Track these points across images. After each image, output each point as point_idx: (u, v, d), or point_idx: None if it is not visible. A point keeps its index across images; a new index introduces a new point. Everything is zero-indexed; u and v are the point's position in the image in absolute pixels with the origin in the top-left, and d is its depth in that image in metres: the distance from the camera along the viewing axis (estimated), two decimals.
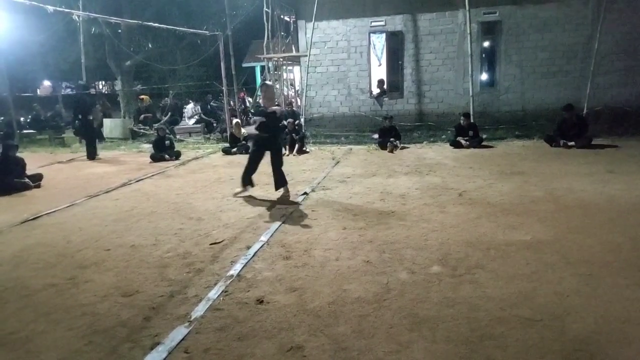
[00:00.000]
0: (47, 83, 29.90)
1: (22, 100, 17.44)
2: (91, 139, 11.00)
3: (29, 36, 16.84)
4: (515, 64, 12.53)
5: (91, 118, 10.96)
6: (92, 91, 20.66)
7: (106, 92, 30.22)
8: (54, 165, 10.05)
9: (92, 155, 10.78)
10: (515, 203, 5.52)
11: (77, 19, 13.40)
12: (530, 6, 12.18)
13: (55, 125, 15.03)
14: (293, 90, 20.18)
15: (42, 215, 5.86)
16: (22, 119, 16.67)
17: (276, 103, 6.43)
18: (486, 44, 13.19)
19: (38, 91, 28.92)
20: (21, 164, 7.80)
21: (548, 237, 4.33)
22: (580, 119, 9.63)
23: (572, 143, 9.19)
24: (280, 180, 6.22)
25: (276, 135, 6.35)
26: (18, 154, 8.07)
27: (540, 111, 12.30)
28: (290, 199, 6.17)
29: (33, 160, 9.32)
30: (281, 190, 6.26)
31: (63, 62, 21.02)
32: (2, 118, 14.77)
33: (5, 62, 14.78)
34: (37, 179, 7.81)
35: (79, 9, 13.08)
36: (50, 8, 11.12)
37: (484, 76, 13.45)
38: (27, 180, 7.59)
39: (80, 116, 10.87)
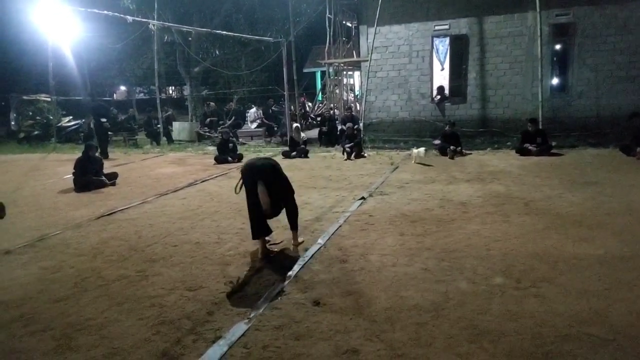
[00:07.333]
0: (122, 88, 32.08)
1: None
2: (103, 139, 12.11)
3: (109, 44, 18.17)
4: (590, 68, 11.79)
5: (104, 121, 12.25)
6: (163, 96, 21.87)
7: (176, 97, 31.87)
8: (127, 164, 10.75)
9: (104, 155, 11.64)
10: (587, 215, 5.20)
11: (152, 28, 14.29)
12: (608, 6, 11.41)
13: (129, 127, 16.05)
14: (352, 95, 20.25)
15: (116, 211, 6.29)
16: None
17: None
18: (558, 46, 12.52)
19: (115, 95, 31.04)
20: (99, 163, 8.43)
21: (623, 252, 4.04)
22: None
23: None
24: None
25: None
26: (97, 154, 8.71)
27: (616, 118, 11.43)
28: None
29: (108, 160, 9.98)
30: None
31: (137, 68, 22.46)
32: (83, 120, 15.97)
33: (87, 68, 16.05)
34: (112, 177, 8.39)
35: (154, 19, 13.92)
36: (130, 18, 11.92)
37: (555, 80, 12.77)
38: (104, 178, 8.17)
39: (94, 119, 12.39)
